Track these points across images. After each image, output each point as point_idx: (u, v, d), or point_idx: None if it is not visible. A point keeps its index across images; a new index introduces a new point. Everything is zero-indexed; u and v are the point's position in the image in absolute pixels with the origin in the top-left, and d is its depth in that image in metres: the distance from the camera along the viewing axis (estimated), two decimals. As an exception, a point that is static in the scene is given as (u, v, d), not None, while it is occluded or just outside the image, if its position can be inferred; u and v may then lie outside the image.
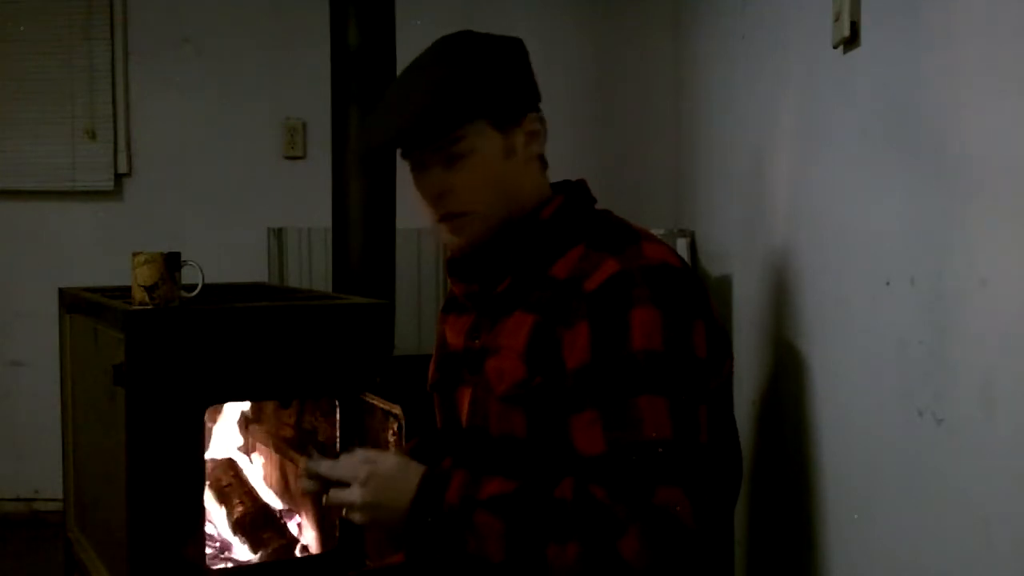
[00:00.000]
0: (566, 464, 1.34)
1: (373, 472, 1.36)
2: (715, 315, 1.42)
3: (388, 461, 1.39)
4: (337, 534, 2.12)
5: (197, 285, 2.04)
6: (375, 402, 2.03)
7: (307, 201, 3.39)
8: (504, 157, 1.44)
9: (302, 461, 1.46)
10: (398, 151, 1.48)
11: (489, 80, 1.42)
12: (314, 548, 2.24)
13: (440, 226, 1.47)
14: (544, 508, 1.28)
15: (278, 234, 3.40)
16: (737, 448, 1.55)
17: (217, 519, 2.42)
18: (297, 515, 2.43)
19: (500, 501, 1.30)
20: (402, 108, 1.42)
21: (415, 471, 1.36)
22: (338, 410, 2.10)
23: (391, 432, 1.97)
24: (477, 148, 1.42)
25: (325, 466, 1.40)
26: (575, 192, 1.50)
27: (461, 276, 1.52)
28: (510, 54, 1.46)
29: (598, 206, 1.51)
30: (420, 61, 1.46)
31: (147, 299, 1.94)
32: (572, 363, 1.34)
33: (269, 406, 2.57)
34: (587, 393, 1.32)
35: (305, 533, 2.34)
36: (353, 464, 1.39)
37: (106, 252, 3.40)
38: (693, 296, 1.38)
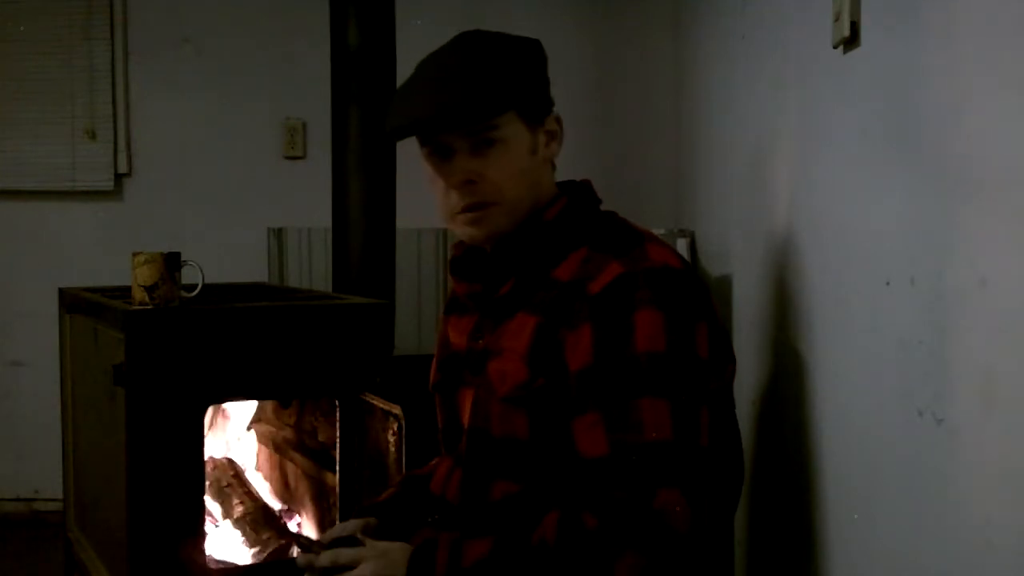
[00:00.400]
0: (568, 466, 1.34)
1: (377, 557, 1.38)
2: (718, 318, 1.43)
3: (379, 545, 1.40)
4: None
5: (197, 285, 2.04)
6: (375, 402, 2.03)
7: (307, 201, 3.39)
8: (529, 152, 1.45)
9: (298, 554, 1.48)
10: (416, 139, 1.46)
11: (521, 74, 1.43)
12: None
13: (459, 218, 1.45)
14: (527, 559, 1.29)
15: (278, 234, 3.39)
16: (739, 451, 1.55)
17: (217, 519, 2.42)
18: (297, 515, 2.43)
19: (484, 564, 1.31)
20: (440, 90, 1.41)
21: (404, 550, 1.37)
22: (338, 410, 2.10)
23: (391, 432, 1.97)
24: (508, 138, 1.42)
25: (322, 558, 1.41)
26: (580, 193, 1.50)
27: (464, 276, 1.52)
28: (534, 54, 1.47)
29: (602, 207, 1.52)
30: (446, 52, 1.45)
31: (147, 299, 1.94)
32: (575, 365, 1.34)
33: (269, 406, 2.57)
34: (590, 395, 1.32)
35: (305, 533, 2.34)
36: (349, 552, 1.40)
37: (106, 252, 3.40)
38: (696, 298, 1.38)
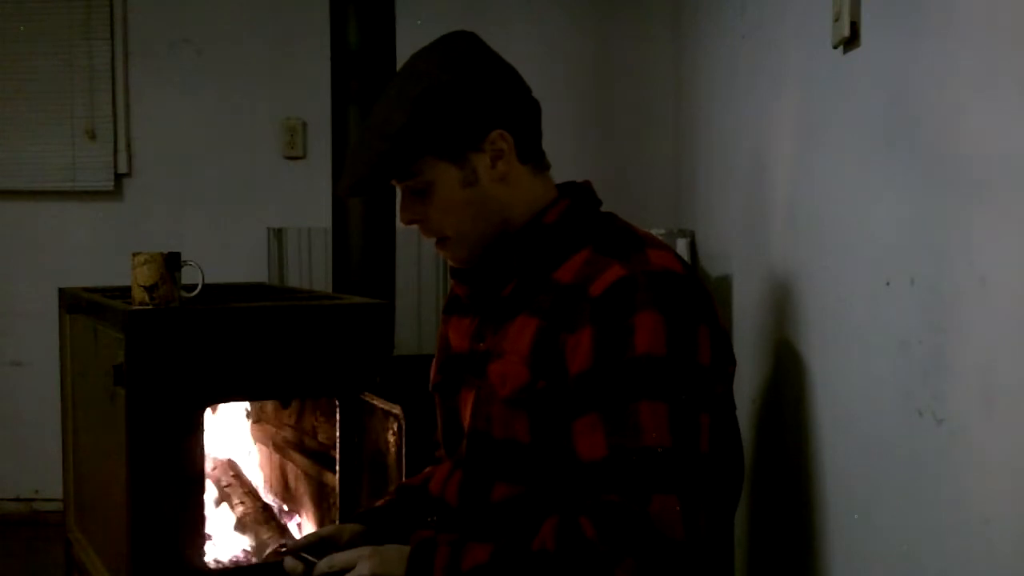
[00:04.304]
0: (568, 469, 1.34)
1: (372, 555, 1.37)
2: (719, 321, 1.42)
3: (385, 549, 1.39)
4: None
5: (197, 285, 2.04)
6: (375, 402, 2.03)
7: (307, 201, 3.40)
8: (463, 185, 1.44)
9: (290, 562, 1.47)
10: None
11: (430, 116, 1.41)
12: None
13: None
14: (527, 566, 1.28)
15: (278, 234, 3.40)
16: (739, 454, 1.54)
17: (217, 519, 2.42)
18: (297, 515, 2.43)
19: (484, 569, 1.30)
20: (360, 155, 1.47)
21: (401, 550, 1.36)
22: (338, 410, 2.10)
23: (391, 432, 1.97)
24: (434, 181, 1.43)
25: (320, 566, 1.40)
26: (580, 195, 1.50)
27: (464, 279, 1.52)
28: (462, 77, 1.43)
29: (602, 208, 1.51)
30: (382, 95, 1.48)
31: (147, 299, 1.94)
32: (575, 368, 1.34)
33: (269, 406, 2.57)
34: (590, 398, 1.32)
35: (305, 533, 2.34)
36: (344, 555, 1.39)
37: (106, 252, 3.39)
38: (697, 302, 1.38)
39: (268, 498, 2.54)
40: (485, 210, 1.45)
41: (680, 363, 1.32)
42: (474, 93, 1.43)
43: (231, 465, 2.59)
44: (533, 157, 1.48)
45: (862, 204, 1.45)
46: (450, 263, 1.54)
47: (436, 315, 3.11)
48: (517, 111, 1.47)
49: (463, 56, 1.44)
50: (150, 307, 1.94)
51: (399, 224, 2.68)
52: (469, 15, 3.34)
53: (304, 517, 2.39)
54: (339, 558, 1.39)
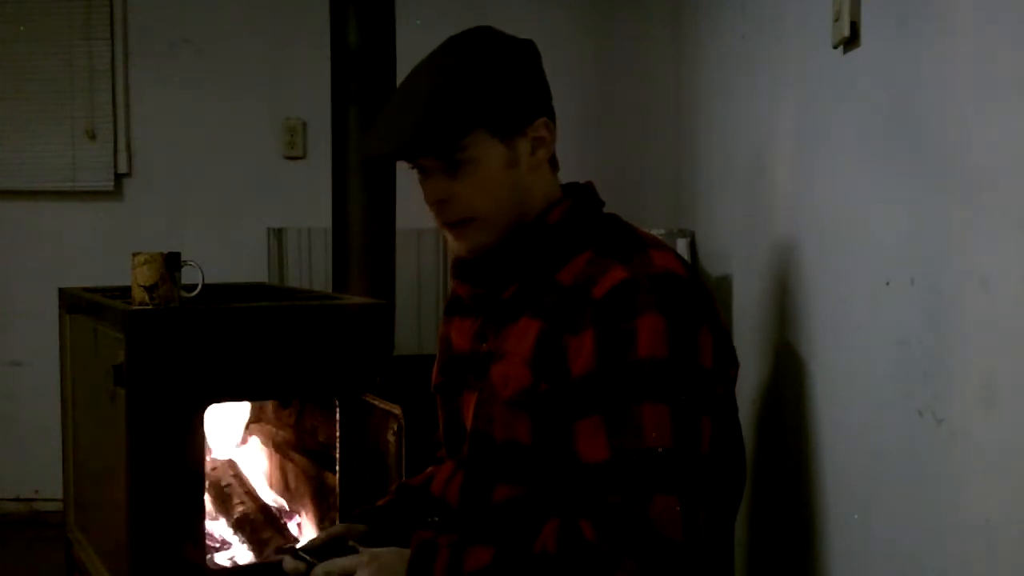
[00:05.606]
0: (569, 470, 1.34)
1: (371, 561, 1.36)
2: (721, 323, 1.42)
3: (384, 553, 1.38)
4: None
5: (197, 285, 2.04)
6: (375, 402, 2.03)
7: (307, 201, 3.40)
8: (506, 166, 1.43)
9: (288, 560, 1.46)
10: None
11: (490, 89, 1.40)
12: (314, 548, 2.23)
13: (447, 231, 1.48)
14: (528, 568, 1.28)
15: (278, 234, 3.39)
16: (741, 456, 1.54)
17: (217, 519, 2.42)
18: (297, 515, 2.43)
19: (484, 572, 1.29)
20: (403, 118, 1.42)
21: (401, 554, 1.35)
22: (338, 410, 2.10)
23: (391, 432, 1.97)
24: (478, 157, 1.41)
25: (317, 571, 1.39)
26: (583, 196, 1.50)
27: (467, 278, 1.52)
28: (517, 58, 1.44)
29: (604, 209, 1.51)
30: (424, 65, 1.45)
31: (147, 299, 1.94)
32: (577, 370, 1.34)
33: (269, 406, 2.57)
34: (591, 400, 1.32)
35: (305, 533, 2.34)
36: (343, 561, 1.38)
37: (106, 252, 3.40)
38: (699, 304, 1.38)
39: (268, 498, 2.54)
40: (515, 196, 1.45)
41: (682, 365, 1.32)
42: (525, 76, 1.45)
43: (231, 465, 2.59)
44: (551, 158, 1.50)
45: (862, 204, 1.45)
46: (461, 252, 1.49)
47: (436, 315, 3.11)
48: (552, 108, 1.48)
49: (503, 43, 1.45)
50: (150, 307, 1.94)
51: (399, 224, 2.68)
52: (469, 15, 3.32)
53: (304, 517, 2.39)
54: (337, 564, 1.38)
